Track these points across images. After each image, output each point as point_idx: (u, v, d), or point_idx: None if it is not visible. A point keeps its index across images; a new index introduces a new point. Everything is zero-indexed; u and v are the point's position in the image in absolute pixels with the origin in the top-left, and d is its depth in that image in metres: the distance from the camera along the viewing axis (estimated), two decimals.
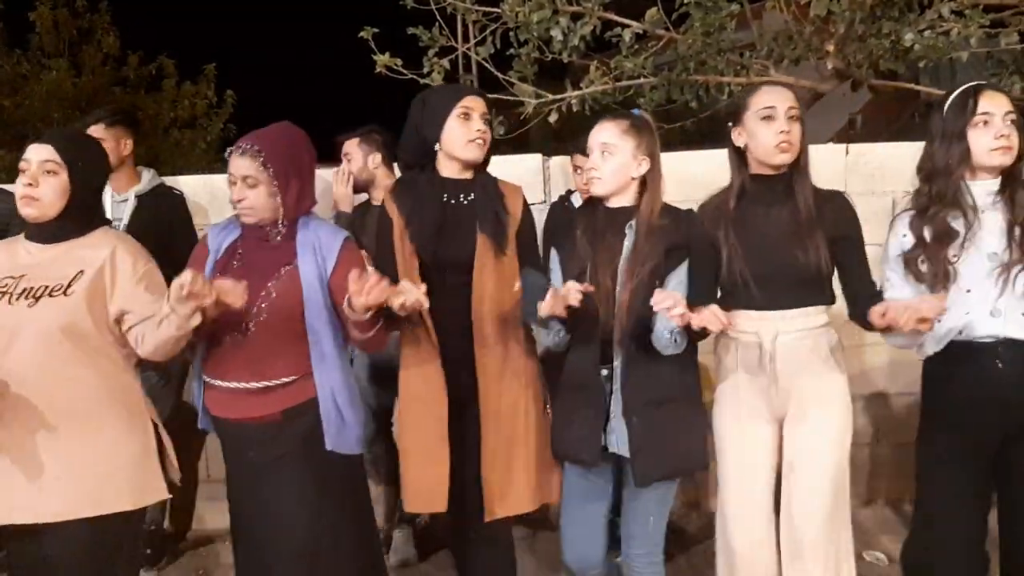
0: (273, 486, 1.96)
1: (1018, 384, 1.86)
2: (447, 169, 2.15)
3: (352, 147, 2.96)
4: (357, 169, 2.95)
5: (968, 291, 1.90)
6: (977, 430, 1.93)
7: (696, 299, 1.85)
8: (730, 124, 2.08)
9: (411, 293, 1.82)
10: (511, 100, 4.08)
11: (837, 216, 2.00)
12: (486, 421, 2.09)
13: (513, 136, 4.08)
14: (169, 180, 3.15)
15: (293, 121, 2.11)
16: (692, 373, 2.05)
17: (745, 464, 2.05)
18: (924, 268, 1.92)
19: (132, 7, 10.55)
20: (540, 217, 2.45)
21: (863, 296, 1.99)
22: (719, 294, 2.05)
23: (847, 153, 3.30)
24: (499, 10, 3.89)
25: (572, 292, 1.83)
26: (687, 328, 1.81)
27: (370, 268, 1.83)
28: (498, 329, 2.10)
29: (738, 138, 2.06)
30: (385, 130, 3.03)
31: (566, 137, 4.03)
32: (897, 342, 2.02)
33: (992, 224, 1.91)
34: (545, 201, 3.30)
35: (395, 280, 1.91)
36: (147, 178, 3.03)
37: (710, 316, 1.76)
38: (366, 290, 1.78)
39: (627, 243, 1.98)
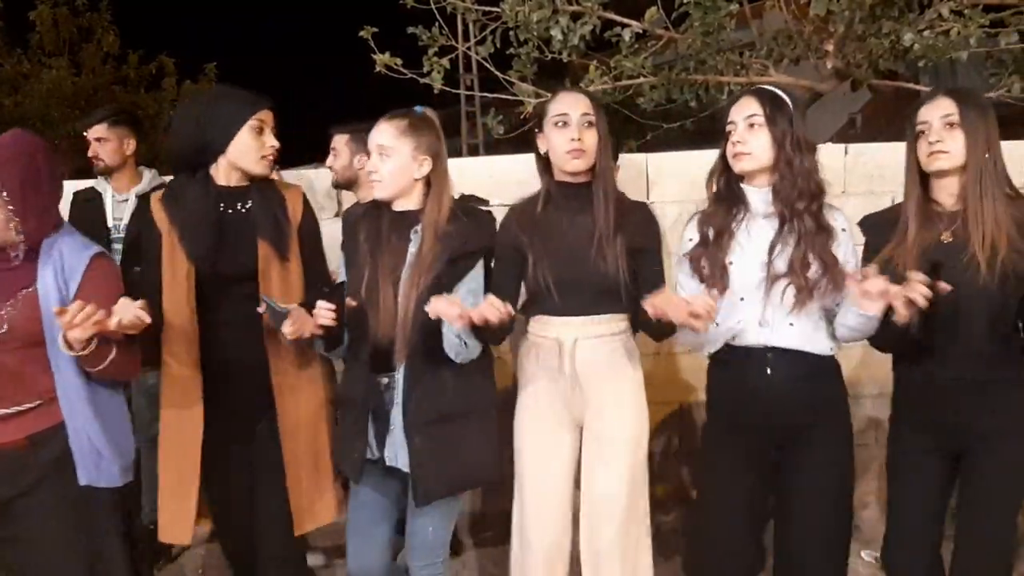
0: (24, 518, 1.81)
1: (784, 391, 1.91)
2: (225, 177, 2.03)
3: (340, 143, 2.86)
4: (341, 167, 2.86)
5: (742, 299, 1.92)
6: (750, 432, 1.97)
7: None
8: (536, 131, 2.08)
9: (127, 311, 1.68)
10: (511, 99, 4.09)
11: (639, 227, 2.00)
12: (287, 433, 2.02)
13: (513, 136, 4.09)
14: (170, 180, 3.15)
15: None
16: (483, 384, 2.00)
17: (543, 471, 2.04)
18: (705, 269, 1.94)
19: (132, 6, 10.58)
20: None
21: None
22: (524, 299, 2.05)
23: (846, 153, 3.30)
24: (499, 9, 3.89)
25: (321, 312, 1.81)
26: (475, 329, 1.76)
27: (76, 303, 1.64)
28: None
29: (541, 145, 2.05)
30: None
31: None
32: (686, 340, 2.04)
33: (766, 234, 1.92)
34: None
35: (158, 292, 1.85)
36: (148, 178, 3.04)
37: (487, 308, 1.69)
38: (72, 322, 1.62)
39: (412, 248, 1.91)
